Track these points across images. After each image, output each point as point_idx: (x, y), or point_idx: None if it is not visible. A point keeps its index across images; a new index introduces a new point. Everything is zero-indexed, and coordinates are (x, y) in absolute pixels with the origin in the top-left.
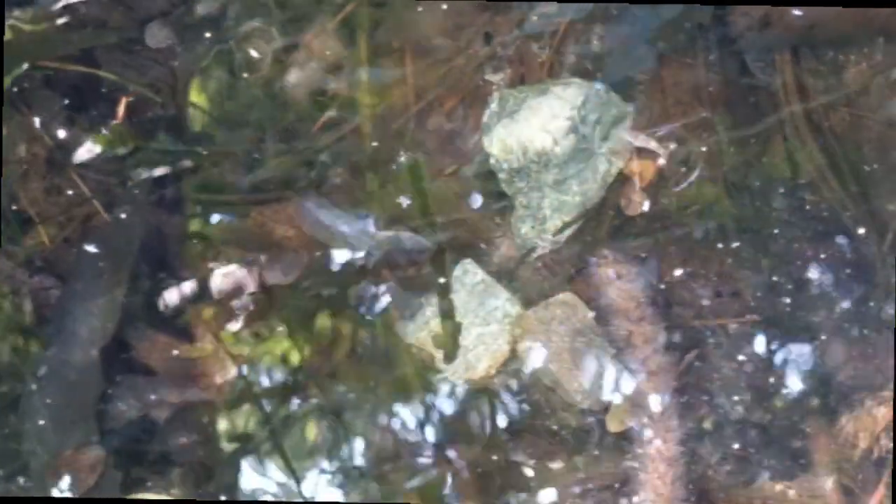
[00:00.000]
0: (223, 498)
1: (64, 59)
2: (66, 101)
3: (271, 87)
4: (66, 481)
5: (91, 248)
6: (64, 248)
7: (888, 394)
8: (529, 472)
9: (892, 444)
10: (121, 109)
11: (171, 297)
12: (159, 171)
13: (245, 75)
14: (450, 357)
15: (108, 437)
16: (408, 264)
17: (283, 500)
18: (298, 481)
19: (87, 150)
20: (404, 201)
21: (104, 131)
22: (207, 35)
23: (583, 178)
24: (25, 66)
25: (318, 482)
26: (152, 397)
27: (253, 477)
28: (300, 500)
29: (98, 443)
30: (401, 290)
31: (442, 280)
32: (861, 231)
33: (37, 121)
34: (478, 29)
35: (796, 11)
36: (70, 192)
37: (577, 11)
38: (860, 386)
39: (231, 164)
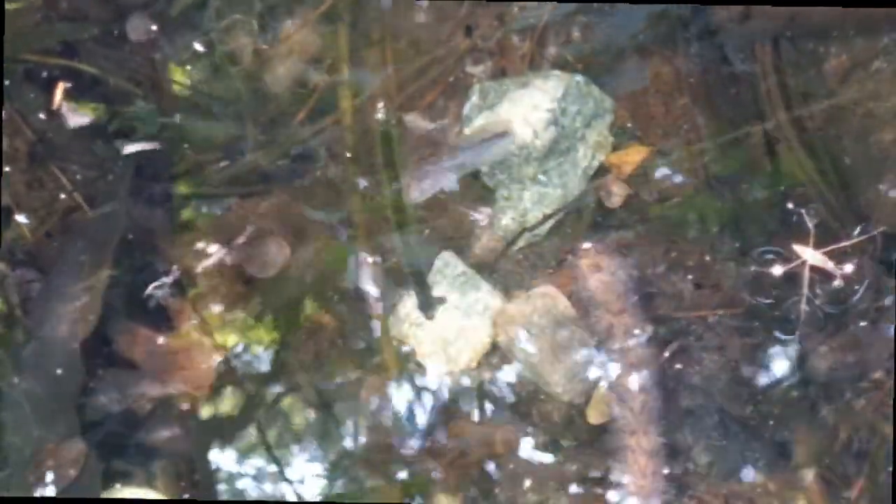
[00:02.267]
0: (224, 496)
1: (44, 52)
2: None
3: (252, 79)
4: (47, 474)
5: (72, 242)
6: (45, 242)
7: (867, 385)
8: (511, 465)
9: (892, 443)
10: (57, 94)
11: (159, 291)
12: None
13: (226, 67)
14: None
15: (90, 430)
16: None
17: (281, 498)
18: (281, 467)
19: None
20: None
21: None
22: (188, 28)
23: (563, 170)
24: None
25: (303, 468)
26: (134, 391)
27: (232, 463)
28: (290, 492)
29: (80, 436)
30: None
31: None
32: (841, 221)
33: (17, 114)
34: (459, 21)
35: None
36: (51, 186)
37: (559, 5)
38: (841, 378)
39: (212, 156)
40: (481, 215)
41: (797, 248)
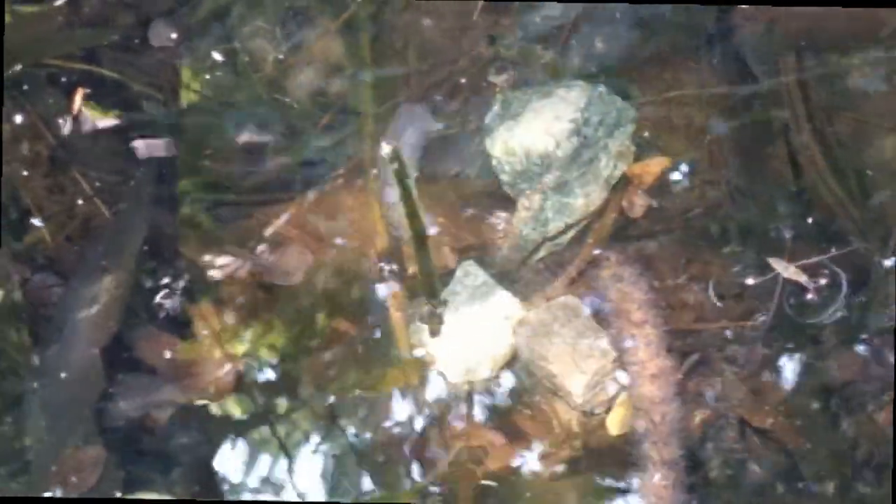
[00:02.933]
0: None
1: (67, 57)
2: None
3: (274, 86)
4: (67, 479)
5: (92, 247)
6: (65, 247)
7: (887, 398)
8: (529, 475)
9: (892, 443)
10: (77, 100)
11: (167, 300)
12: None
13: (248, 75)
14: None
15: (110, 435)
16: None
17: (281, 499)
18: (291, 462)
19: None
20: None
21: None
22: (211, 35)
23: (585, 180)
24: (18, 66)
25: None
26: (154, 397)
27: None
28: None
29: (99, 441)
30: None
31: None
32: (863, 235)
33: (39, 118)
34: (481, 31)
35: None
36: (72, 191)
37: (581, 13)
38: (861, 391)
39: (233, 163)
40: (499, 220)
41: (773, 261)
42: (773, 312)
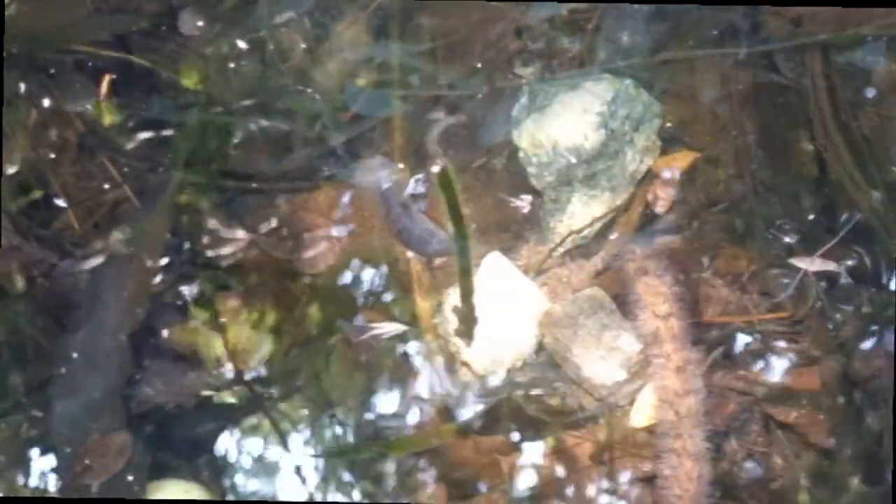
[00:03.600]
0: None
1: (95, 44)
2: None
3: (303, 76)
4: (92, 466)
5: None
6: (93, 233)
7: None
8: (554, 467)
9: (892, 443)
10: (104, 87)
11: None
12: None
13: (276, 65)
14: (467, 336)
15: (137, 422)
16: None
17: (284, 499)
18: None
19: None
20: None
21: (88, 107)
22: (240, 24)
23: (612, 173)
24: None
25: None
26: (181, 382)
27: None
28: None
29: (125, 428)
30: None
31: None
32: (887, 230)
33: (67, 104)
34: (509, 22)
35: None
36: (100, 177)
37: (609, 7)
38: (885, 386)
39: (260, 152)
40: (522, 202)
41: (795, 261)
42: (798, 302)
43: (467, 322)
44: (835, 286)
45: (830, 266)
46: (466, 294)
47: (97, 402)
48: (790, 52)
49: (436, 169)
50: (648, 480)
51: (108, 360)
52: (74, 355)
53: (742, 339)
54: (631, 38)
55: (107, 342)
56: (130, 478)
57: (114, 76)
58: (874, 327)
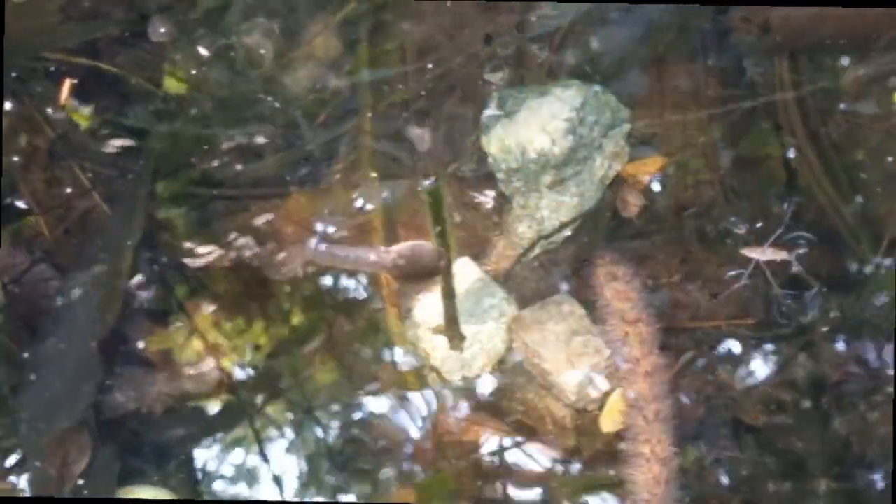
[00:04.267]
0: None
1: (65, 51)
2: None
3: (273, 82)
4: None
5: (90, 240)
6: (64, 240)
7: (880, 398)
8: (524, 472)
9: (892, 443)
10: (64, 91)
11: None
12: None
13: (247, 70)
14: (454, 341)
15: (107, 428)
16: (425, 275)
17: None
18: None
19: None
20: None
21: (49, 112)
22: (210, 30)
23: (580, 179)
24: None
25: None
26: (151, 389)
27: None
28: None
29: (90, 431)
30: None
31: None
32: (854, 235)
33: (37, 112)
34: (478, 29)
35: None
36: (70, 184)
37: (577, 13)
38: (853, 390)
39: (231, 158)
40: (486, 198)
41: (746, 251)
42: (767, 307)
43: (452, 327)
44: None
45: (782, 255)
46: (449, 297)
47: (67, 408)
48: (759, 59)
49: (426, 183)
50: (617, 485)
51: (79, 366)
52: (45, 362)
53: (711, 344)
54: (601, 45)
55: (77, 348)
56: (99, 482)
57: (75, 81)
58: (842, 333)
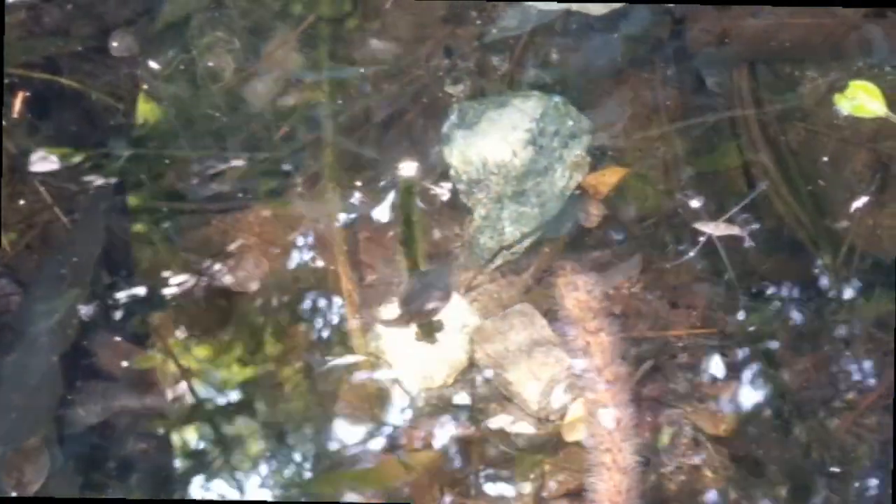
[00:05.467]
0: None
1: (27, 66)
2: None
3: (233, 96)
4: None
5: (51, 255)
6: (25, 255)
7: (839, 405)
8: (485, 482)
9: (892, 443)
10: (16, 104)
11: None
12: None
13: (207, 85)
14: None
15: (68, 442)
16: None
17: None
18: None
19: (47, 162)
20: None
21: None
22: (170, 45)
23: (541, 189)
24: None
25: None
26: (113, 403)
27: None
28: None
29: (50, 445)
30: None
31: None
32: (814, 244)
33: None
34: (438, 41)
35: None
36: (30, 199)
37: (538, 24)
38: (813, 398)
39: (192, 173)
40: (442, 189)
41: (699, 225)
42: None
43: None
44: (762, 296)
45: (734, 230)
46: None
47: (29, 423)
48: (717, 68)
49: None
50: (578, 494)
51: (40, 380)
52: (6, 377)
53: (672, 353)
54: (560, 56)
55: (39, 363)
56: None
57: (27, 93)
58: (803, 340)
